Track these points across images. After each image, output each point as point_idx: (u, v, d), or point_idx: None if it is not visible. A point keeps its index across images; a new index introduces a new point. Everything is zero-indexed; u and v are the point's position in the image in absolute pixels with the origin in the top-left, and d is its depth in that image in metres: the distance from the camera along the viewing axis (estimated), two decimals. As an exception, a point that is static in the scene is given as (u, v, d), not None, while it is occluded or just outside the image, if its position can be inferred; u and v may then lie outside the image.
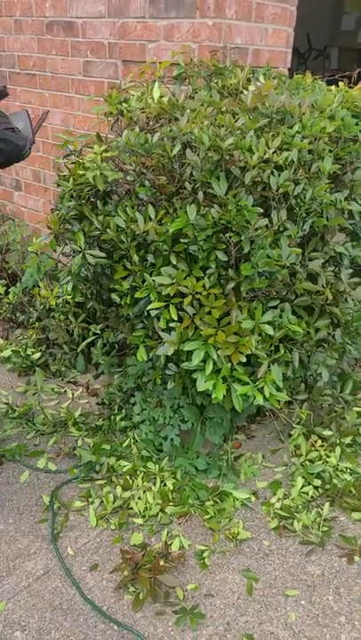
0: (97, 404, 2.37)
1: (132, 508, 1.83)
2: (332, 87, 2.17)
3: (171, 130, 1.76)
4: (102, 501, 1.85)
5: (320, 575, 1.65)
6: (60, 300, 2.67)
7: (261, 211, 1.60)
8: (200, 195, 1.67)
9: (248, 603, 1.57)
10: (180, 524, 1.80)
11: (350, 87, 2.23)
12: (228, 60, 2.25)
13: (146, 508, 1.82)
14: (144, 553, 1.64)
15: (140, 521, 1.79)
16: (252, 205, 1.60)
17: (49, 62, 2.99)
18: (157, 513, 1.81)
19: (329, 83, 2.30)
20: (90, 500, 1.86)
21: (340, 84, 2.21)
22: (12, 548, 1.71)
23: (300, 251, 1.72)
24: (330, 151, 1.77)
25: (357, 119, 1.91)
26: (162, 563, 1.60)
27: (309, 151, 1.71)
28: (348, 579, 1.64)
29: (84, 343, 2.33)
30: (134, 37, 2.50)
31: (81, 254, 1.90)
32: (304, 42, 6.70)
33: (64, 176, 2.04)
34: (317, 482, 1.93)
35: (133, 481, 1.92)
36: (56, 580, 1.62)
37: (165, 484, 1.91)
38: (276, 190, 1.64)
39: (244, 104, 1.80)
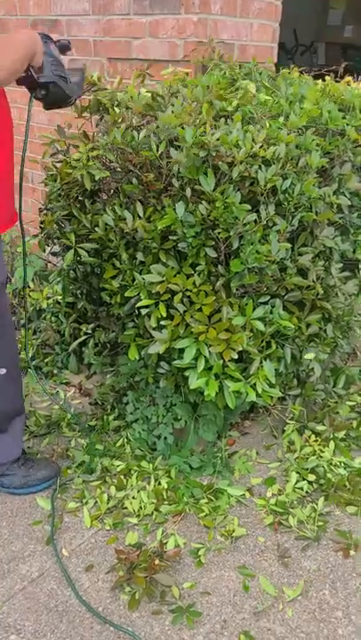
0: (90, 404, 2.36)
1: (126, 508, 1.82)
2: (319, 81, 2.16)
3: (157, 126, 1.75)
4: (96, 502, 1.84)
5: (316, 570, 1.65)
6: (51, 300, 2.66)
7: (249, 207, 1.59)
8: (188, 191, 1.66)
9: (244, 599, 1.56)
10: (175, 522, 1.79)
11: (337, 81, 2.22)
12: (216, 55, 2.25)
13: (140, 507, 1.82)
14: (139, 552, 1.63)
15: (134, 520, 1.78)
16: (241, 201, 1.59)
17: (34, 61, 2.97)
18: (152, 512, 1.81)
19: (316, 77, 2.30)
20: (84, 500, 1.85)
21: (327, 78, 2.21)
22: (7, 551, 1.69)
23: (289, 245, 1.71)
24: (317, 145, 1.76)
25: (344, 112, 1.91)
26: (157, 562, 1.59)
27: (297, 146, 1.71)
28: (343, 573, 1.64)
29: (76, 343, 2.32)
30: (119, 34, 2.48)
31: (72, 250, 1.88)
32: (291, 37, 6.70)
33: (51, 175, 2.03)
34: (312, 477, 1.93)
35: (127, 480, 1.91)
36: (51, 582, 1.61)
37: (160, 483, 1.90)
38: (264, 185, 1.63)
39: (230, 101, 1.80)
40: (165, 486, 1.89)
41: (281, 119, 1.72)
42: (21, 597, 1.56)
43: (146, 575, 1.56)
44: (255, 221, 1.63)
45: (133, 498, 1.84)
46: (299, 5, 5.64)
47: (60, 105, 1.65)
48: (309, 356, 1.86)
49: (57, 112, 2.97)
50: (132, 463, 1.98)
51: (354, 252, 2.01)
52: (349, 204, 1.89)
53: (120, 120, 1.86)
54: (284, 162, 1.66)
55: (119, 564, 1.62)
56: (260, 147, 1.61)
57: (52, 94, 1.56)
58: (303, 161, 1.70)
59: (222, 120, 1.72)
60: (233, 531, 1.75)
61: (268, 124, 1.71)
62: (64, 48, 1.64)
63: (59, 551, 1.70)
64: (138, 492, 1.86)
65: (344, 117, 1.85)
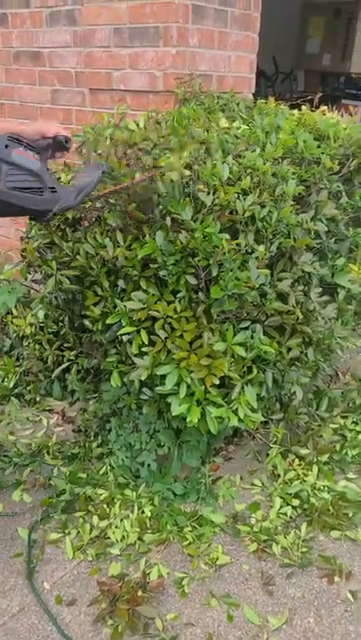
0: (73, 431, 2.34)
1: (109, 538, 1.80)
2: (295, 111, 2.22)
3: (139, 158, 1.77)
4: (79, 532, 1.82)
5: (301, 597, 1.64)
6: (34, 327, 2.64)
7: (228, 237, 1.62)
8: (168, 220, 1.68)
9: (229, 630, 1.54)
10: (158, 551, 1.77)
11: (313, 110, 2.28)
12: (196, 86, 2.30)
13: (123, 536, 1.80)
14: (122, 584, 1.61)
15: (117, 550, 1.76)
16: (220, 230, 1.61)
17: (17, 91, 3.01)
18: (135, 541, 1.78)
19: (294, 106, 2.36)
20: (66, 531, 1.82)
21: (303, 107, 2.27)
22: (-13, 585, 1.66)
23: (268, 272, 1.74)
24: (293, 173, 1.80)
25: (319, 142, 1.95)
26: (140, 593, 1.57)
27: (273, 174, 1.74)
28: (328, 599, 1.63)
29: (59, 369, 2.31)
30: (100, 66, 2.53)
31: (54, 277, 1.89)
32: (271, 65, 6.87)
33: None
34: (296, 502, 1.92)
35: (110, 509, 1.89)
36: (32, 616, 1.57)
37: (143, 511, 1.88)
38: (243, 214, 1.66)
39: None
40: (149, 514, 1.87)
41: (258, 150, 1.76)
42: (1, 633, 1.52)
43: (129, 607, 1.53)
44: (235, 250, 1.65)
45: (116, 527, 1.82)
46: (278, 34, 5.80)
47: (35, 220, 1.46)
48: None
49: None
50: (116, 491, 1.96)
51: (332, 276, 2.04)
52: (326, 229, 1.92)
53: (102, 148, 1.89)
54: (261, 190, 1.69)
55: (102, 596, 1.59)
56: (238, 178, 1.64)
57: (5, 211, 1.34)
58: (280, 189, 1.74)
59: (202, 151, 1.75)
60: (217, 559, 1.73)
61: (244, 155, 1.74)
62: (59, 146, 1.43)
63: (40, 584, 1.67)
64: (121, 520, 1.84)
65: (319, 146, 1.90)
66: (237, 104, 2.24)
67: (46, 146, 1.41)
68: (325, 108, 2.29)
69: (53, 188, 1.38)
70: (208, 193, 1.65)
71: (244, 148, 1.79)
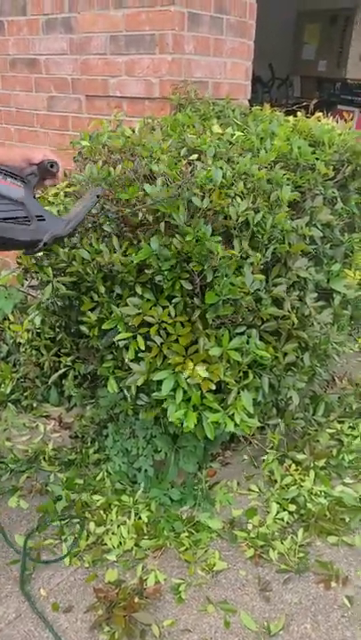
0: (70, 437, 2.34)
1: (106, 544, 1.79)
2: (290, 117, 2.23)
3: (133, 162, 1.78)
4: (75, 538, 1.81)
5: (298, 603, 1.63)
6: (30, 333, 2.64)
7: (220, 239, 1.62)
8: (162, 225, 1.69)
9: (226, 636, 1.54)
10: (155, 557, 1.77)
11: (308, 117, 2.30)
12: (192, 93, 2.32)
13: (120, 542, 1.79)
14: (119, 590, 1.60)
15: (114, 557, 1.76)
16: (212, 234, 1.62)
17: (13, 98, 3.03)
18: (132, 547, 1.78)
19: (290, 112, 2.37)
20: (63, 537, 1.82)
21: (298, 114, 2.28)
22: (-17, 593, 1.66)
23: (263, 277, 1.74)
24: (288, 179, 1.81)
25: (314, 148, 1.96)
26: (137, 599, 1.56)
27: (268, 180, 1.75)
28: (325, 605, 1.63)
29: (56, 375, 2.31)
30: (96, 73, 2.55)
31: (51, 284, 1.90)
32: (267, 71, 6.91)
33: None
34: (292, 507, 1.92)
35: (107, 515, 1.89)
36: (28, 623, 1.57)
37: (140, 517, 1.88)
38: (236, 220, 1.67)
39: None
40: (146, 520, 1.87)
41: (250, 155, 1.77)
42: (-3, 641, 1.52)
43: (125, 614, 1.53)
44: (229, 256, 1.66)
45: (113, 533, 1.82)
46: (274, 41, 5.83)
47: (26, 252, 1.38)
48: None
49: (37, 147, 3.02)
50: (112, 497, 1.95)
51: (328, 281, 2.05)
52: (321, 235, 1.93)
53: (97, 155, 1.90)
54: (255, 196, 1.70)
55: (98, 602, 1.59)
56: (232, 184, 1.65)
57: None
58: (275, 195, 1.75)
59: (195, 156, 1.76)
60: (214, 565, 1.73)
61: (238, 161, 1.75)
62: (46, 172, 1.35)
63: (37, 591, 1.66)
64: (118, 527, 1.84)
65: (314, 152, 1.91)
66: (233, 110, 2.25)
67: (32, 173, 1.35)
68: (321, 114, 2.31)
69: (41, 216, 1.32)
70: (203, 197, 1.65)
71: (237, 154, 1.80)
